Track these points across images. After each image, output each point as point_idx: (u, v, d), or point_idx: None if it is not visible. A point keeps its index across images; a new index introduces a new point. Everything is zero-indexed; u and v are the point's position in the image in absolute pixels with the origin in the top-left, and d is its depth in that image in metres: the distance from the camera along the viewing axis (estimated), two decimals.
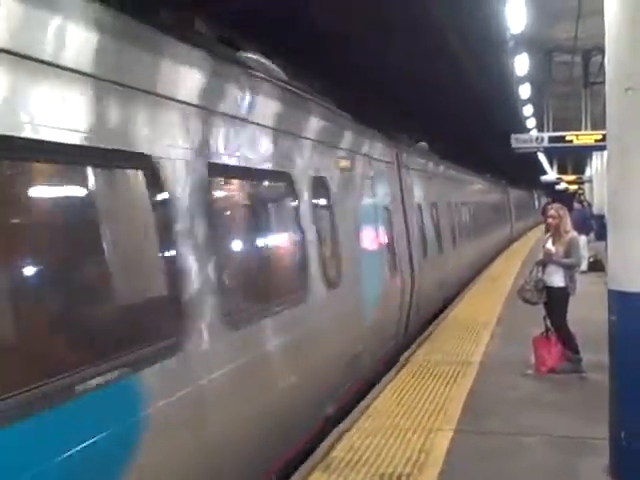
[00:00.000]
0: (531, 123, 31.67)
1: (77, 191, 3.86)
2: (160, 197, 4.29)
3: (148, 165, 4.18)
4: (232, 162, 5.40)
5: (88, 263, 3.82)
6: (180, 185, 4.50)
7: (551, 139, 21.12)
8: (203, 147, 4.88)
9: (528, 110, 28.21)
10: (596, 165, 28.09)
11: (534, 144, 21.10)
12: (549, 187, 50.42)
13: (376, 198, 9.83)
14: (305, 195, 6.87)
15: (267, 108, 6.28)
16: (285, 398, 5.79)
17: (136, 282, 4.19)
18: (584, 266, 16.67)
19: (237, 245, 5.82)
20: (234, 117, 5.48)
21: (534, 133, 26.42)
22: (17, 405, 2.99)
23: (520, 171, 45.51)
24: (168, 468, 4.03)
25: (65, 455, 3.21)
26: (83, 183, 3.78)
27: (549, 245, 8.33)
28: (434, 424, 6.43)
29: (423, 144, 16.10)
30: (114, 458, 3.58)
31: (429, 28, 13.90)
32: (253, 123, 5.81)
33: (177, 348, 4.17)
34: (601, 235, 20.88)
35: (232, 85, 5.63)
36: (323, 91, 9.22)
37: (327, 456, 5.68)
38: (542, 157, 42.40)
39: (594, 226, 22.56)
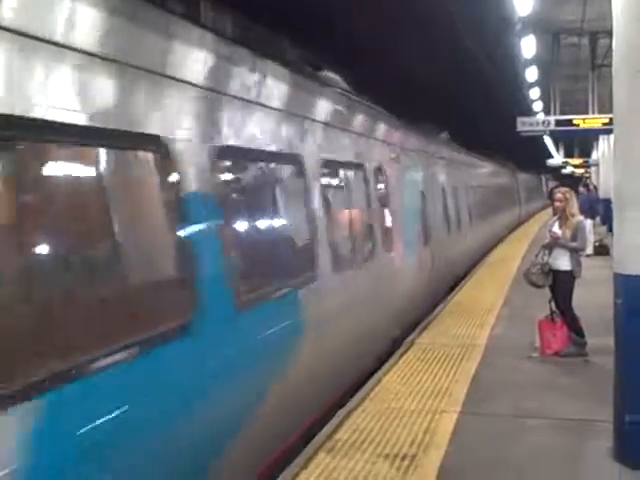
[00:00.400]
0: (538, 106, 31.46)
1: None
2: (304, 180, 6.78)
3: (301, 160, 6.75)
4: (330, 157, 7.66)
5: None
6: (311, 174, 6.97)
7: (558, 122, 21.02)
8: (319, 148, 7.29)
9: (535, 93, 28.05)
10: (603, 148, 27.95)
11: (540, 127, 21.02)
12: (556, 171, 50.20)
13: (414, 182, 11.93)
14: (371, 180, 9.06)
15: (350, 118, 8.62)
16: (376, 318, 8.57)
17: (303, 242, 6.76)
18: (589, 250, 16.65)
19: (334, 213, 7.84)
20: (335, 127, 7.92)
21: (541, 116, 26.25)
22: (258, 296, 5.43)
23: (528, 155, 45.34)
24: (317, 349, 6.46)
25: (278, 328, 5.70)
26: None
27: (555, 228, 8.32)
28: (439, 406, 6.47)
29: (444, 134, 17.66)
30: (294, 339, 6.03)
31: (437, 13, 13.84)
32: (339, 129, 8.10)
33: (315, 278, 6.63)
34: (606, 219, 20.84)
35: (337, 105, 8.11)
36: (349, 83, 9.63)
37: (332, 437, 5.72)
38: (548, 140, 42.21)
39: (600, 210, 22.47)
